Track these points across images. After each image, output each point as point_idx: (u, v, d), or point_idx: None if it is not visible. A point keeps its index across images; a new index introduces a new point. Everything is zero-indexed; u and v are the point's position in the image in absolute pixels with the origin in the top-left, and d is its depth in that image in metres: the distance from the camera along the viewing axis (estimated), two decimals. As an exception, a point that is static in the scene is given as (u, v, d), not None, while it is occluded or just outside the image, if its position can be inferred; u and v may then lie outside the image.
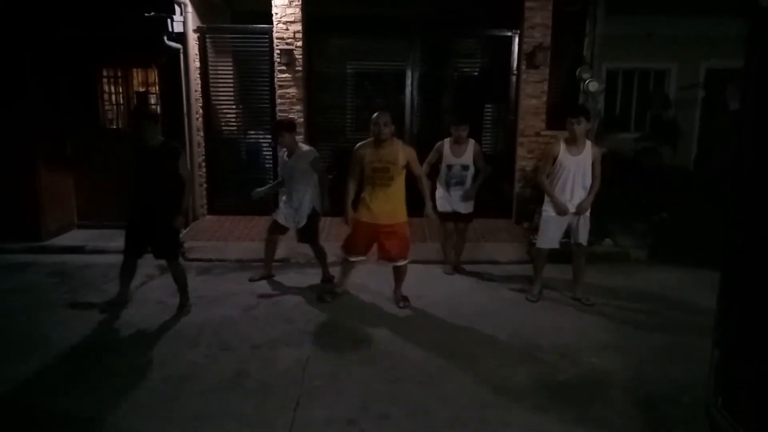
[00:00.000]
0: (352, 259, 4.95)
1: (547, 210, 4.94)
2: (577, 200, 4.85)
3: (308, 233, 5.39)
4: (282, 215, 5.37)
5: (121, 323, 4.53)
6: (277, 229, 5.48)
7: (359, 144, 4.76)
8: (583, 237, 4.95)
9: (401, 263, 4.88)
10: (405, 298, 4.96)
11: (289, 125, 5.32)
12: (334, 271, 5.49)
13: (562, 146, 4.82)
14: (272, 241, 5.59)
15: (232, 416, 3.21)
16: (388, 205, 4.71)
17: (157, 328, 4.49)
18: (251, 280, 5.58)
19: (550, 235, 4.97)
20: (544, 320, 4.67)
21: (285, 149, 5.31)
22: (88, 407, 3.31)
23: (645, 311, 4.90)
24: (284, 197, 5.42)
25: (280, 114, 7.58)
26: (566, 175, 4.80)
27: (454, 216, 5.70)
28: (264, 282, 5.55)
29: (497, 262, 6.26)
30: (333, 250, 5.68)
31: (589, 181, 4.83)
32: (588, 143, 4.84)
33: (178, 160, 4.63)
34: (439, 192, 5.64)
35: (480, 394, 3.46)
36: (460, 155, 5.57)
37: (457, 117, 5.70)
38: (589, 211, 4.90)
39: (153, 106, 7.35)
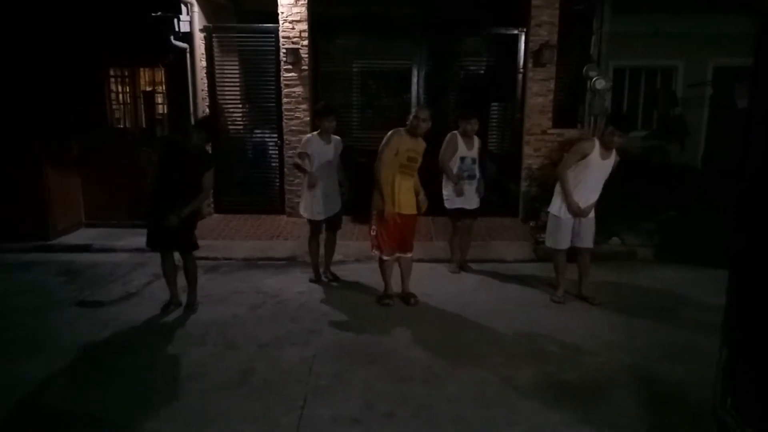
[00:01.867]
0: (386, 257, 4.86)
1: (558, 210, 4.85)
2: (586, 204, 4.77)
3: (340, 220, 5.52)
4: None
5: (128, 322, 4.55)
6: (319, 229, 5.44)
7: (395, 130, 4.72)
8: (587, 241, 4.90)
9: (409, 254, 4.94)
10: (413, 296, 4.96)
11: None
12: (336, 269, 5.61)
13: (597, 147, 4.67)
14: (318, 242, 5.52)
15: (239, 415, 3.22)
16: (411, 195, 4.79)
17: (164, 326, 4.51)
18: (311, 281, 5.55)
19: (561, 236, 4.90)
20: (550, 319, 4.66)
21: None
22: (95, 406, 3.33)
23: (652, 310, 4.87)
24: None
25: (286, 113, 7.61)
26: (590, 177, 4.70)
27: (463, 212, 5.68)
28: (270, 281, 5.57)
29: (504, 261, 6.25)
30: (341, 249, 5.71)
31: (601, 186, 4.76)
32: (614, 151, 4.72)
33: (208, 170, 4.67)
34: (449, 188, 5.57)
35: (485, 394, 3.46)
36: (471, 148, 5.57)
37: (468, 111, 5.68)
38: (593, 214, 4.85)
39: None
